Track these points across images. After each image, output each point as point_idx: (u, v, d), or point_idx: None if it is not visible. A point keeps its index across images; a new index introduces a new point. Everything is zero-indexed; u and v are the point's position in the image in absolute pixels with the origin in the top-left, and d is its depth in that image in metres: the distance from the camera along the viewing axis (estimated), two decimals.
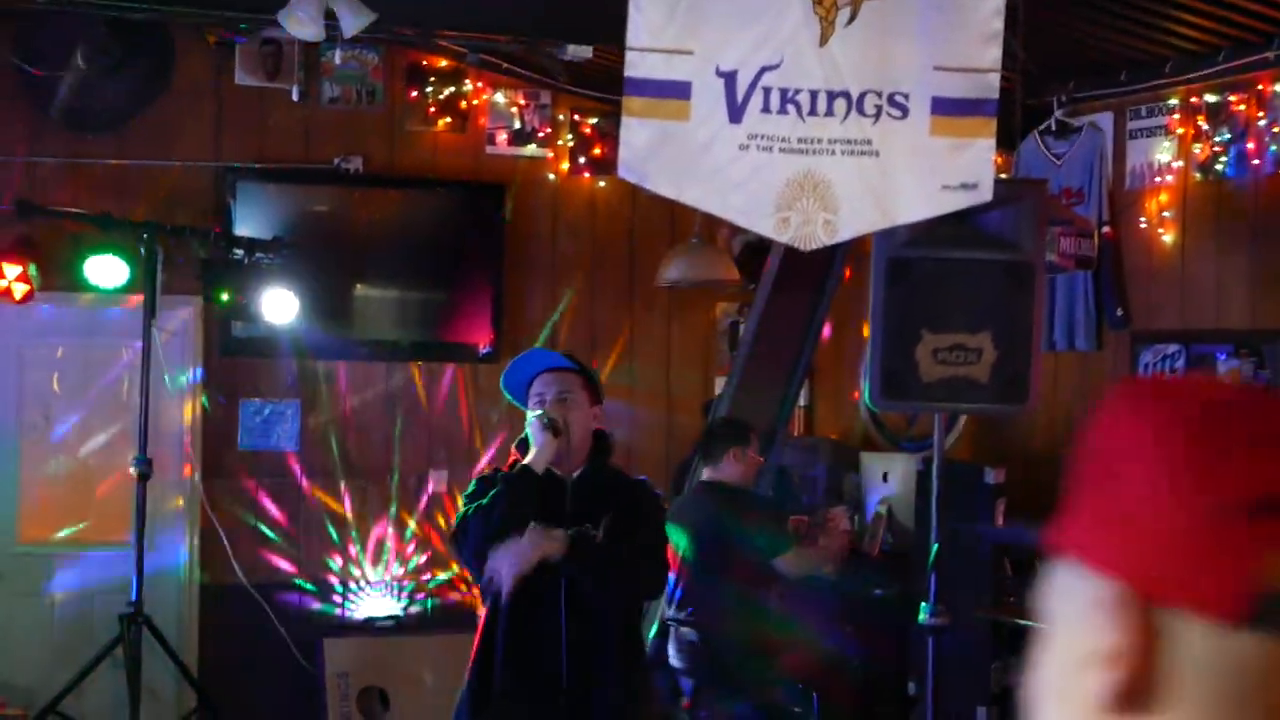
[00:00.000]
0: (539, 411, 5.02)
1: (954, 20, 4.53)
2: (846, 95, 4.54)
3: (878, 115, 4.56)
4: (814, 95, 4.52)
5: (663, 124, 4.47)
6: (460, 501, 5.25)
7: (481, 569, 4.99)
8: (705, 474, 7.37)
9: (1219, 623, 1.16)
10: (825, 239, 4.59)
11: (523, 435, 5.16)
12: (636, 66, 4.47)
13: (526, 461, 4.97)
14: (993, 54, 4.54)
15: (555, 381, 5.09)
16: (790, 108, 4.51)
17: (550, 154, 9.29)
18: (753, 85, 4.49)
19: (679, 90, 4.46)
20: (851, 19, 4.52)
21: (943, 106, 4.57)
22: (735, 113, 4.49)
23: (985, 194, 4.67)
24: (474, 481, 5.21)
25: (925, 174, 4.61)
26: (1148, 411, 1.23)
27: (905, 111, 4.57)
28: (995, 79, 4.56)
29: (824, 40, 4.52)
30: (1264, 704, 1.17)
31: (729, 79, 4.48)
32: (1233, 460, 1.17)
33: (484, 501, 4.93)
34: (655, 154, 4.48)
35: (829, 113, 4.52)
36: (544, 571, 4.89)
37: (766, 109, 4.50)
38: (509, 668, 5.06)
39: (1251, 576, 1.14)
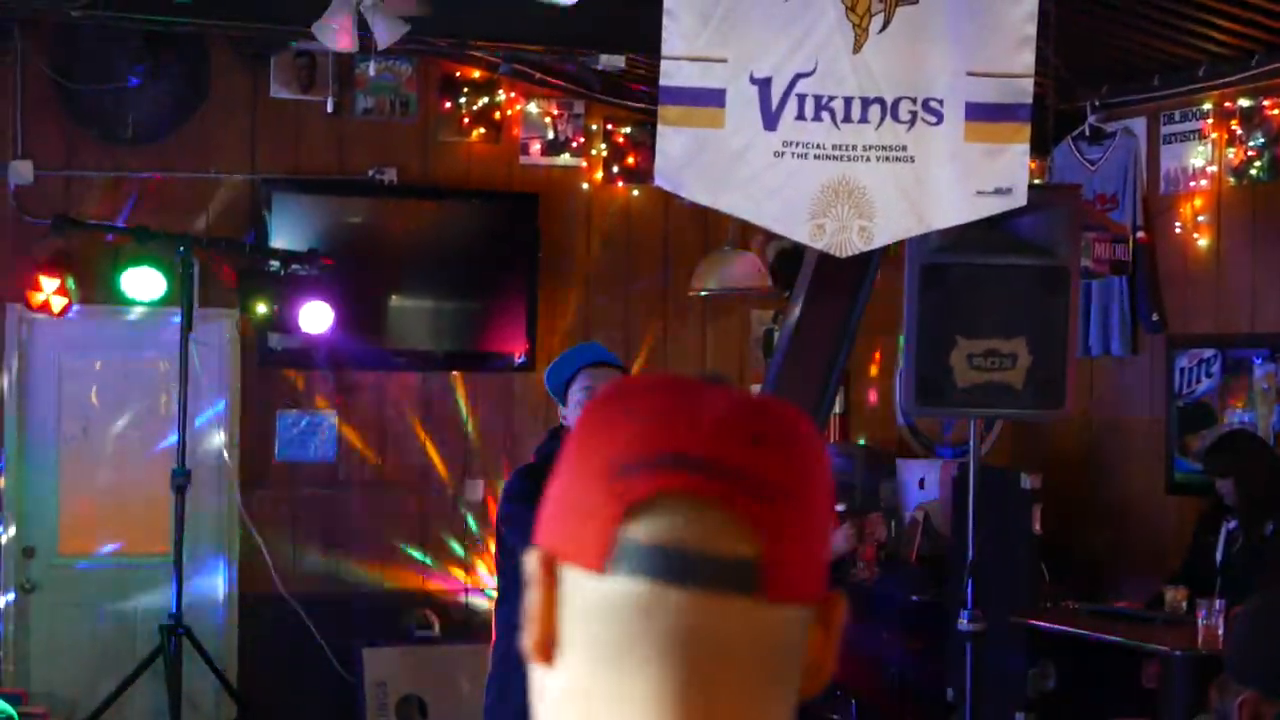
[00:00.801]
0: None
1: (986, 26, 4.55)
2: (881, 101, 4.55)
3: (912, 121, 4.57)
4: (848, 102, 4.54)
5: (698, 132, 4.50)
6: (505, 502, 5.04)
7: None
8: None
9: (591, 570, 1.33)
10: (861, 245, 4.60)
11: (557, 425, 5.13)
12: (671, 75, 4.49)
13: None
14: (1025, 59, 4.55)
15: (606, 375, 4.95)
16: (825, 114, 4.53)
17: (584, 163, 9.31)
18: (787, 92, 4.51)
19: (714, 98, 4.48)
20: (885, 26, 4.54)
21: (977, 112, 4.58)
22: (770, 120, 4.51)
23: (1020, 199, 4.68)
24: (519, 479, 4.96)
25: (960, 179, 4.62)
26: (590, 403, 1.42)
27: (940, 117, 4.58)
28: (1029, 84, 4.57)
29: (858, 47, 4.53)
30: (635, 643, 1.32)
31: (763, 86, 4.50)
32: (603, 432, 1.36)
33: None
34: (691, 162, 4.50)
35: (863, 119, 4.54)
36: None
37: (801, 116, 4.52)
38: None
39: (613, 527, 1.32)
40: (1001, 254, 5.71)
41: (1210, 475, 7.14)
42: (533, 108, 9.19)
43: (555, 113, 9.22)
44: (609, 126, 9.25)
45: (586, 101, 9.18)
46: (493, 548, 9.13)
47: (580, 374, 4.95)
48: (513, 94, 9.14)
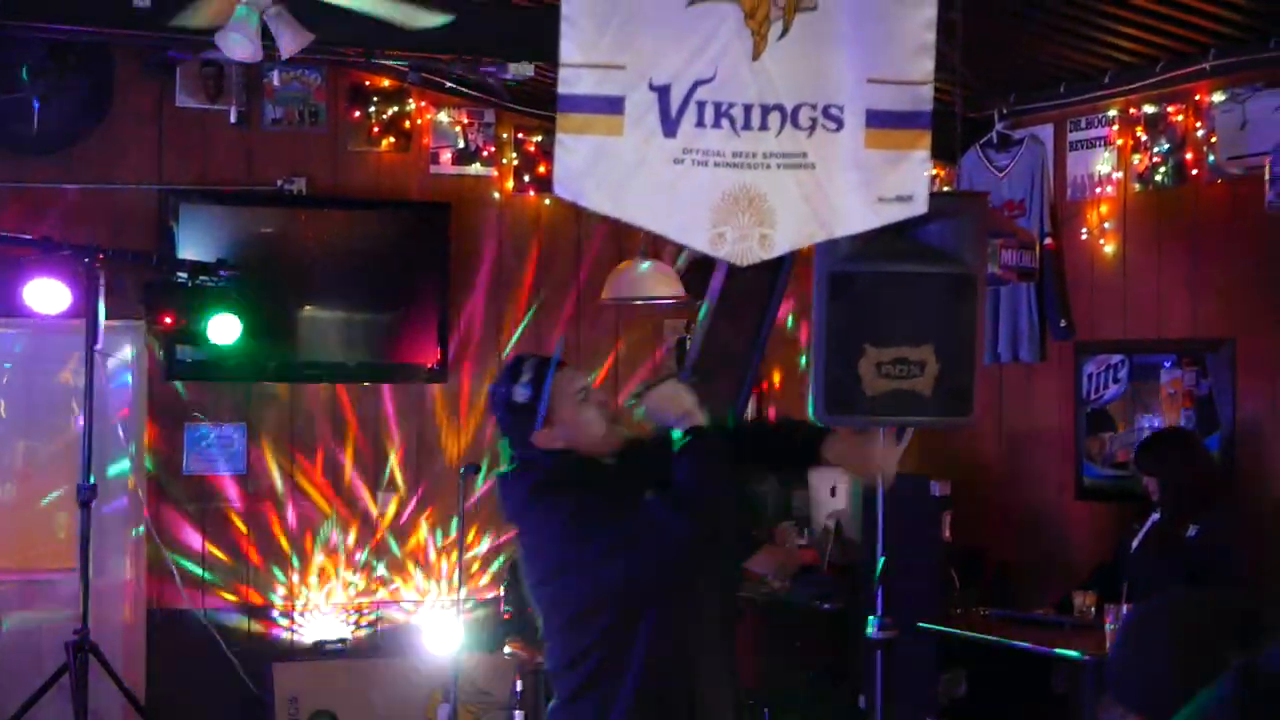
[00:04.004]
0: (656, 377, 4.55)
1: (886, 33, 4.54)
2: (781, 109, 4.53)
3: (812, 128, 4.55)
4: (748, 109, 4.51)
5: (597, 140, 4.46)
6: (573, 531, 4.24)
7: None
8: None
9: None
10: (762, 253, 4.57)
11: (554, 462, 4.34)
12: (570, 83, 4.45)
13: (695, 422, 4.24)
14: (925, 66, 4.54)
15: (575, 370, 4.52)
16: (724, 121, 4.50)
17: (495, 172, 9.29)
18: (686, 99, 4.48)
19: (612, 105, 4.44)
20: (784, 32, 4.52)
21: (877, 119, 4.56)
22: (669, 127, 4.47)
23: (921, 206, 4.67)
24: (585, 497, 4.25)
25: (861, 187, 4.60)
26: None
27: (840, 124, 4.56)
28: (928, 91, 4.56)
29: (757, 54, 4.51)
30: None
31: (662, 93, 4.46)
32: None
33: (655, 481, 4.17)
34: (590, 171, 4.46)
35: (763, 126, 4.51)
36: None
37: (701, 123, 4.49)
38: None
39: None
40: (909, 261, 5.71)
41: (1138, 473, 7.18)
42: (443, 117, 9.16)
43: (466, 122, 9.20)
44: (520, 135, 9.23)
45: (497, 110, 9.17)
46: (404, 559, 9.13)
47: (556, 382, 4.31)
48: (423, 103, 9.11)
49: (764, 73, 4.52)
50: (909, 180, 4.61)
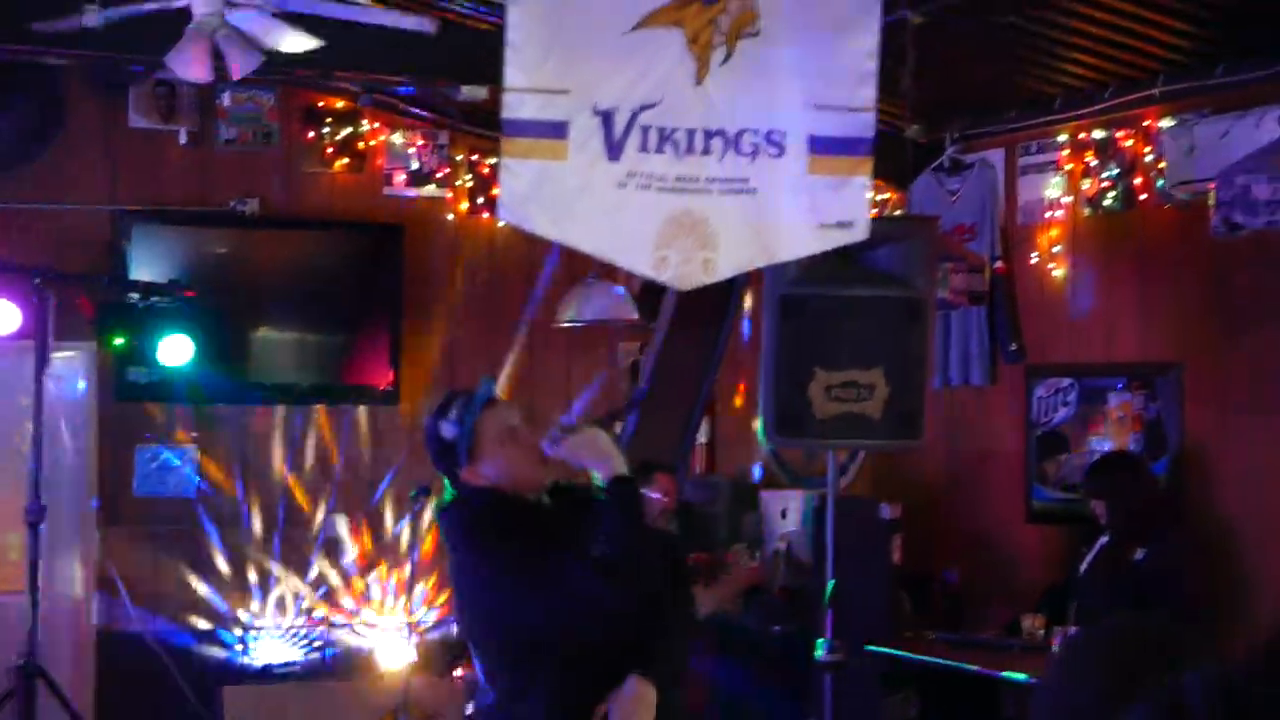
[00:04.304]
0: (588, 422, 4.41)
1: (829, 60, 4.57)
2: (723, 134, 4.56)
3: (755, 153, 4.58)
4: (691, 134, 4.54)
5: (541, 164, 4.48)
6: (498, 582, 4.26)
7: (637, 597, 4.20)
8: None
9: None
10: (705, 277, 4.60)
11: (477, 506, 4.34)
12: (514, 108, 4.48)
13: (616, 472, 4.18)
14: (867, 93, 4.58)
15: (509, 406, 4.49)
16: (668, 146, 4.53)
17: (449, 194, 9.29)
18: (630, 124, 4.50)
19: (556, 130, 4.47)
20: (727, 58, 4.55)
21: (819, 145, 4.60)
22: (613, 151, 4.50)
23: (862, 232, 4.70)
24: (505, 542, 4.24)
25: (803, 212, 4.63)
26: None
27: (782, 150, 4.59)
28: (871, 118, 4.60)
29: (700, 79, 4.54)
30: None
31: (606, 118, 4.49)
32: None
33: (587, 540, 4.12)
34: (534, 195, 4.49)
35: (706, 151, 4.54)
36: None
37: (644, 148, 4.51)
38: None
39: None
40: (859, 285, 5.76)
41: (1086, 496, 7.21)
42: (397, 138, 9.16)
43: (420, 143, 9.19)
44: (474, 157, 9.23)
45: (451, 132, 9.16)
46: (355, 582, 9.10)
47: (484, 421, 4.29)
48: (376, 124, 9.10)
49: (707, 98, 4.55)
50: (850, 206, 4.64)
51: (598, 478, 4.20)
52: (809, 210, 4.62)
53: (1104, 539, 7.13)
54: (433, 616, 9.19)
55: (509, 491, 4.27)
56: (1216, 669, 2.24)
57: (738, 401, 9.73)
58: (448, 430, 4.28)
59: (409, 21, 6.52)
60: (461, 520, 4.31)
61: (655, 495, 7.44)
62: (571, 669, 4.17)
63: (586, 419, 4.22)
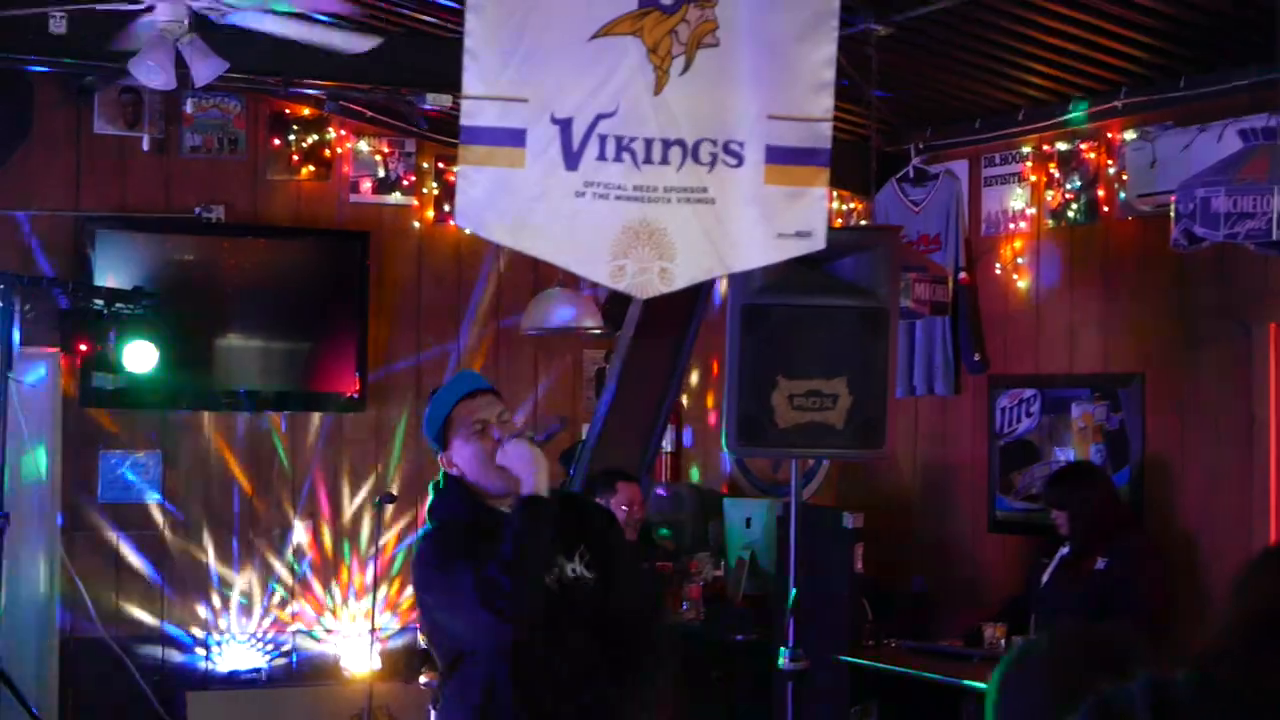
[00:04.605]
0: (526, 432, 4.30)
1: (786, 70, 4.58)
2: (682, 144, 4.57)
3: (713, 163, 4.59)
4: (649, 143, 4.54)
5: (499, 171, 4.48)
6: (423, 580, 4.30)
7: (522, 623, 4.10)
8: None
9: None
10: (662, 287, 4.60)
11: (436, 496, 4.36)
12: (472, 115, 4.48)
13: (532, 489, 4.13)
14: (825, 103, 4.59)
15: (491, 404, 4.34)
16: (626, 155, 4.53)
17: (415, 202, 9.29)
18: (588, 133, 4.51)
19: (514, 138, 4.47)
20: (686, 68, 4.56)
21: (777, 155, 4.60)
22: (571, 160, 4.51)
23: (819, 242, 4.71)
24: (427, 549, 4.28)
25: (760, 222, 4.64)
26: None
27: (740, 160, 4.60)
28: (827, 128, 4.61)
29: (659, 89, 4.55)
30: None
31: (564, 126, 4.50)
32: None
33: (499, 552, 4.06)
34: (492, 202, 4.49)
35: (664, 160, 4.55)
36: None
37: (602, 157, 4.52)
38: None
39: None
40: (822, 295, 5.77)
41: (1047, 507, 7.25)
42: (363, 146, 9.16)
43: (386, 151, 9.20)
44: (440, 165, 9.23)
45: (417, 140, 9.16)
46: (320, 589, 9.10)
47: (459, 410, 4.29)
48: (343, 131, 9.11)
49: (665, 108, 4.56)
50: (808, 216, 4.64)
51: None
52: (767, 220, 4.63)
53: (1065, 549, 7.17)
54: (396, 623, 9.19)
55: (474, 488, 4.27)
56: (1157, 676, 2.27)
57: (704, 410, 9.76)
58: (430, 414, 4.31)
59: (340, 39, 6.57)
60: (419, 554, 4.31)
61: (623, 508, 7.52)
62: (488, 680, 4.15)
63: (526, 429, 4.17)
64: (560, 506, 4.26)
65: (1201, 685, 2.16)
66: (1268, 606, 2.23)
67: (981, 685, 6.75)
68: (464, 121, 4.49)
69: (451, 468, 4.30)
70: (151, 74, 6.46)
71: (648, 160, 4.55)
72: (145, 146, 8.69)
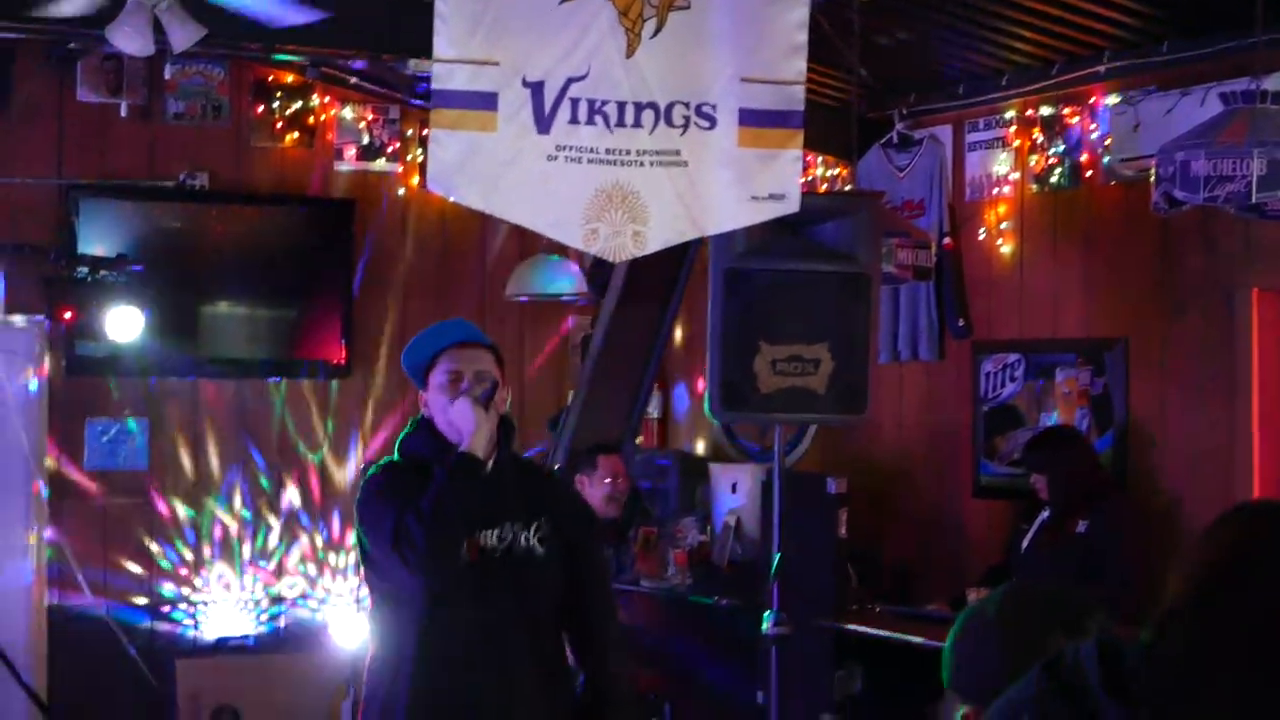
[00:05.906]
0: (472, 388, 4.29)
1: (759, 33, 4.58)
2: (654, 106, 4.57)
3: (686, 126, 4.59)
4: (621, 106, 4.54)
5: (471, 135, 4.49)
6: (358, 506, 4.41)
7: (431, 577, 4.18)
8: None
9: None
10: (635, 250, 4.61)
11: (407, 430, 4.47)
12: (443, 79, 4.49)
13: (466, 448, 4.17)
14: (798, 66, 4.59)
15: (476, 358, 4.41)
16: (598, 119, 4.54)
17: (400, 169, 9.28)
18: (560, 96, 4.51)
19: (486, 101, 4.47)
20: (658, 30, 4.55)
21: (750, 118, 4.61)
22: (543, 124, 4.51)
23: (793, 205, 4.71)
24: (374, 476, 4.37)
25: (734, 184, 4.64)
26: None
27: (713, 122, 4.60)
28: (800, 91, 4.61)
29: (630, 52, 4.54)
30: None
31: (536, 89, 4.50)
32: None
33: (416, 497, 4.15)
34: (463, 166, 4.49)
35: (637, 124, 4.55)
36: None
37: (574, 120, 4.52)
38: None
39: None
40: (804, 260, 5.76)
41: (1027, 471, 7.24)
42: (347, 113, 9.14)
43: (370, 118, 9.18)
44: (425, 132, 9.18)
45: (402, 106, 9.15)
46: (308, 557, 9.11)
47: (443, 357, 4.37)
48: (327, 99, 9.08)
49: (637, 70, 4.56)
50: (781, 179, 4.65)
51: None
52: (740, 182, 4.63)
53: (1045, 514, 7.17)
54: None
55: (439, 434, 4.33)
56: (1109, 638, 2.27)
57: (689, 375, 9.76)
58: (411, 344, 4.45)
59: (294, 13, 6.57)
60: (365, 482, 4.41)
61: (605, 485, 7.58)
62: (403, 624, 4.28)
63: (474, 389, 4.18)
64: (519, 472, 4.35)
65: (1150, 648, 2.16)
66: (1218, 558, 2.23)
67: None
68: (435, 85, 4.49)
69: (426, 409, 4.39)
70: (129, 40, 6.44)
71: (620, 123, 4.55)
72: (123, 113, 8.64)
